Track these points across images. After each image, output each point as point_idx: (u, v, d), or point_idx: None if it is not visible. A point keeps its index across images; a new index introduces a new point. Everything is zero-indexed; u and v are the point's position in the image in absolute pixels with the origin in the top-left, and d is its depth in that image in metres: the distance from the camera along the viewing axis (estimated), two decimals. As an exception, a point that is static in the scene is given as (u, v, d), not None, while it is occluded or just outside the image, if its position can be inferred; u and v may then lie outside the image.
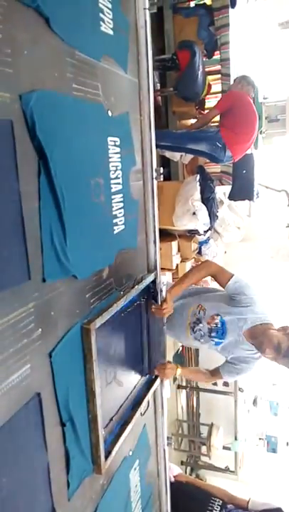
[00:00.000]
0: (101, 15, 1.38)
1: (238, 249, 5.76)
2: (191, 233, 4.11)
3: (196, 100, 4.21)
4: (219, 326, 2.09)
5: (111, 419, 1.64)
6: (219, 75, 4.20)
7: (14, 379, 1.00)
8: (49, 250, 1.13)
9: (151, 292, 1.96)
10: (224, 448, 5.83)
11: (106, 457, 1.47)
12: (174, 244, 4.01)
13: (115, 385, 1.69)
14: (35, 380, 1.09)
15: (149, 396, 1.96)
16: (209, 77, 4.23)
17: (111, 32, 1.46)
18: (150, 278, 1.87)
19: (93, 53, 1.33)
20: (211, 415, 6.39)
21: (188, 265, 4.25)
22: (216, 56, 4.26)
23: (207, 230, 3.93)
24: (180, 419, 6.44)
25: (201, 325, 2.15)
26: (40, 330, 1.10)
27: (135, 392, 1.91)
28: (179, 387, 6.18)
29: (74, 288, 1.28)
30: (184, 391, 6.37)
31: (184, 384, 6.25)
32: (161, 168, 1.90)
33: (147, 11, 1.72)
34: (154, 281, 1.93)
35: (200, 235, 4.17)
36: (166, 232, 4.07)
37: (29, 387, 1.06)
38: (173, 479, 2.50)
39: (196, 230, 3.86)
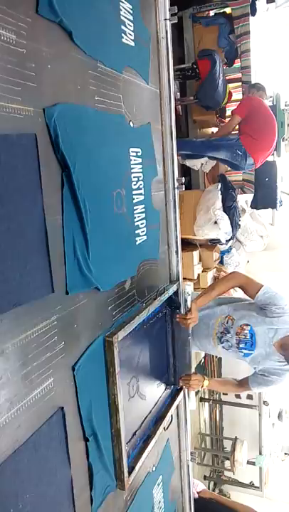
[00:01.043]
0: (122, 27, 1.39)
1: (261, 259, 5.66)
2: (213, 242, 4.05)
3: (216, 108, 4.19)
4: (248, 337, 2.03)
5: (134, 434, 1.61)
6: (240, 83, 4.18)
7: (38, 393, 0.99)
8: (72, 263, 1.12)
9: (174, 303, 1.94)
10: (248, 463, 5.67)
11: (129, 473, 1.44)
12: (196, 253, 3.97)
13: (138, 399, 1.66)
14: (58, 394, 1.07)
15: (173, 410, 1.92)
16: (230, 85, 4.20)
17: (132, 43, 1.46)
18: (173, 289, 1.85)
19: (115, 65, 1.34)
20: (234, 429, 6.24)
21: (210, 275, 4.19)
22: (237, 64, 4.25)
23: (229, 239, 3.88)
24: (203, 433, 6.32)
25: (229, 335, 2.09)
26: (63, 343, 1.09)
27: (158, 405, 1.88)
28: (202, 399, 6.08)
29: (96, 300, 1.27)
30: (206, 404, 6.26)
31: (206, 396, 6.15)
32: (183, 178, 1.88)
33: (168, 22, 1.72)
34: (176, 292, 1.90)
35: (222, 245, 4.11)
36: (188, 242, 4.04)
37: (52, 401, 1.05)
38: (197, 495, 2.44)
39: (218, 240, 3.81)
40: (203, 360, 5.56)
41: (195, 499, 2.30)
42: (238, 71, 4.24)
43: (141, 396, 1.68)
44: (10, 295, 0.89)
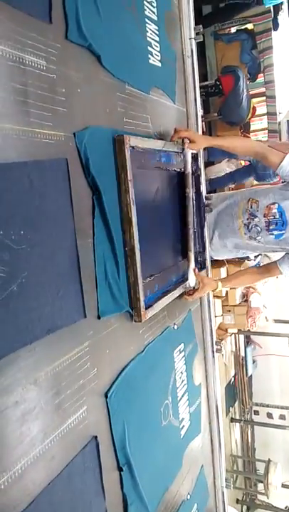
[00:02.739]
0: (149, 48, 1.39)
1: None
2: (241, 258, 3.99)
3: (241, 124, 4.17)
4: (277, 216, 1.82)
5: (151, 276, 1.44)
6: (264, 97, 4.16)
7: (71, 422, 0.97)
8: (103, 286, 1.11)
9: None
10: (283, 486, 5.44)
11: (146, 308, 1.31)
12: (223, 270, 3.90)
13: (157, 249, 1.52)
14: (91, 423, 1.04)
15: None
16: (253, 100, 4.19)
17: (159, 64, 1.46)
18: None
19: (142, 86, 1.34)
20: (267, 451, 6.03)
21: (239, 292, 4.12)
22: (260, 79, 4.24)
23: (258, 255, 3.81)
24: (234, 455, 6.12)
25: (256, 219, 1.87)
26: (95, 369, 1.06)
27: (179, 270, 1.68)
28: (233, 420, 5.92)
29: (128, 324, 1.24)
30: (237, 425, 6.09)
31: (237, 417, 5.98)
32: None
33: (193, 41, 1.73)
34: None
35: (250, 260, 4.04)
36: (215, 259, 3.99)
37: (86, 430, 1.02)
38: None
39: (246, 256, 3.75)
40: (233, 380, 5.43)
41: None
42: (261, 86, 4.23)
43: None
44: (43, 322, 0.88)
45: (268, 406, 5.88)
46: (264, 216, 1.84)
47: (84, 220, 1.03)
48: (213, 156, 3.77)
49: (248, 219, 1.90)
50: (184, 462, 1.64)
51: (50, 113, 0.91)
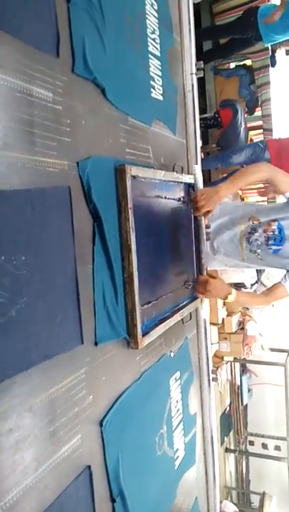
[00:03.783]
0: (152, 82, 1.44)
1: (286, 302, 5.54)
2: (238, 286, 4.00)
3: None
4: (277, 232, 1.89)
5: (149, 303, 1.44)
6: (261, 130, 4.26)
7: (65, 451, 0.95)
8: (102, 312, 1.11)
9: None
10: (279, 521, 5.29)
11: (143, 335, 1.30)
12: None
13: (155, 275, 1.52)
14: (85, 452, 1.03)
15: (191, 308, 1.77)
16: (251, 132, 4.30)
17: (161, 97, 1.51)
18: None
19: (145, 118, 1.38)
20: (262, 483, 5.87)
21: (235, 319, 4.10)
22: (258, 112, 4.35)
23: (254, 283, 3.82)
24: (228, 486, 5.96)
25: (257, 234, 1.92)
26: (91, 397, 1.06)
27: (178, 295, 1.70)
28: (227, 450, 5.79)
29: (124, 351, 1.24)
30: (232, 455, 5.95)
31: (232, 447, 5.85)
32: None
33: (194, 76, 1.79)
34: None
35: (246, 288, 4.05)
36: (211, 285, 3.99)
37: (80, 459, 1.01)
38: None
39: (242, 283, 3.76)
40: (228, 409, 5.34)
41: None
42: (258, 119, 4.33)
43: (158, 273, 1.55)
44: (40, 348, 0.88)
45: (263, 436, 5.76)
46: (264, 232, 1.91)
47: (84, 247, 1.05)
48: (207, 165, 3.86)
49: (249, 233, 1.95)
50: (178, 493, 1.60)
51: (55, 142, 0.94)
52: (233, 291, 1.76)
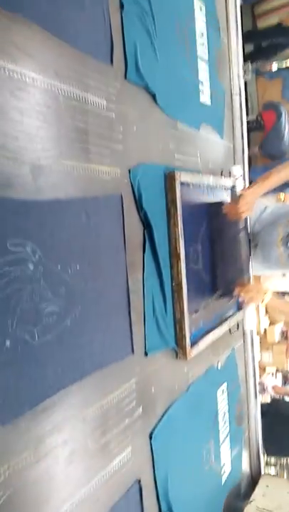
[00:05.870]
0: (200, 86, 1.41)
1: None
2: (282, 294, 3.88)
3: (281, 158, 4.15)
4: None
5: (196, 311, 1.40)
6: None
7: (116, 464, 0.93)
8: (151, 321, 1.09)
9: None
10: None
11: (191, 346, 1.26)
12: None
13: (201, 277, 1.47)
14: (135, 465, 1.00)
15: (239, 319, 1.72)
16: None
17: (209, 102, 1.48)
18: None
19: (193, 123, 1.35)
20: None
21: (278, 329, 3.97)
22: (302, 115, 4.22)
23: (298, 291, 3.68)
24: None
25: None
26: (140, 408, 1.03)
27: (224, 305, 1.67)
28: (267, 464, 5.61)
29: (172, 361, 1.21)
30: (272, 468, 5.76)
31: (272, 461, 5.66)
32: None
33: (242, 79, 1.75)
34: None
35: (291, 296, 3.92)
36: (253, 293, 3.89)
37: (130, 472, 0.98)
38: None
39: (287, 292, 3.64)
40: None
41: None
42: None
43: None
44: (94, 357, 0.86)
45: (306, 450, 5.54)
46: None
47: (134, 255, 1.03)
48: (255, 175, 3.78)
49: (287, 236, 1.86)
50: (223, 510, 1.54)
51: (108, 150, 0.93)
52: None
